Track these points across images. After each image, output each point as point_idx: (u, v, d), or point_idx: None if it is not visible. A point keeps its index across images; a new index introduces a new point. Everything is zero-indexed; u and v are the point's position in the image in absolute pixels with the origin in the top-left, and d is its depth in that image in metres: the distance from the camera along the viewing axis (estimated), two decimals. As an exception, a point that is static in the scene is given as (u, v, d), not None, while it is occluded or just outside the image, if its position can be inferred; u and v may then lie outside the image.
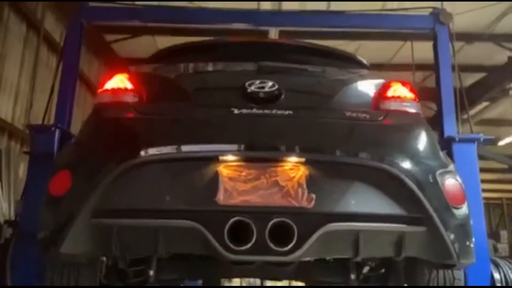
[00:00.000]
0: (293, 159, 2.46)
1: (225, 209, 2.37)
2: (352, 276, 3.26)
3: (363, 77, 3.05)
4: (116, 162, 2.44)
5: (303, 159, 2.46)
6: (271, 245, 2.32)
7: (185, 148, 2.47)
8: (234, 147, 2.47)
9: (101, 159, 2.52)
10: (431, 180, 2.52)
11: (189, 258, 3.20)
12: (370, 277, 3.29)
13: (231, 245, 2.32)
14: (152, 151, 2.46)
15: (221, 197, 2.37)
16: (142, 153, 2.45)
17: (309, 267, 3.34)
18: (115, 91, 2.80)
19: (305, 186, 2.41)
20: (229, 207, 2.37)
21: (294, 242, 2.32)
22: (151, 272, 3.03)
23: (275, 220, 2.34)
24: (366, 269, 3.29)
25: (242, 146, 2.47)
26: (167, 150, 2.46)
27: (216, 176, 2.41)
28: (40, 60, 8.16)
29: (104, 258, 2.91)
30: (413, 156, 2.56)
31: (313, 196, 2.39)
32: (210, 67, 3.08)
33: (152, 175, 2.44)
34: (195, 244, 2.41)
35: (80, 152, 2.74)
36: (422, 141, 2.70)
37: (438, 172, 2.56)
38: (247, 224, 2.34)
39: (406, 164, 2.48)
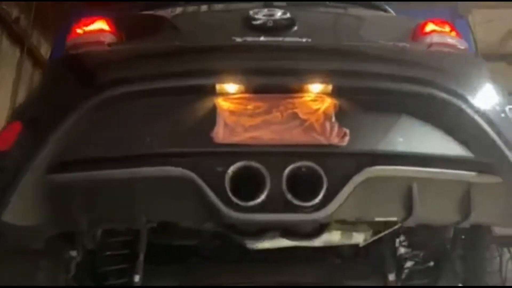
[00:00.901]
0: (316, 87, 1.82)
1: (226, 150, 1.70)
2: (391, 276, 2.55)
3: (392, 18, 2.51)
4: (81, 98, 1.81)
5: (329, 87, 1.81)
6: (291, 198, 1.65)
7: (170, 76, 1.83)
8: (237, 72, 1.83)
9: (61, 98, 1.90)
10: (503, 115, 1.88)
11: (183, 256, 2.63)
12: (414, 273, 2.55)
13: (235, 199, 1.65)
14: (128, 81, 1.82)
15: (219, 134, 1.71)
16: (115, 84, 1.81)
17: (335, 268, 2.65)
18: (87, 33, 2.21)
19: (334, 119, 1.76)
20: (231, 146, 1.70)
21: (322, 193, 1.65)
22: (137, 277, 2.36)
23: (295, 164, 1.69)
24: (409, 264, 2.58)
25: (247, 72, 1.84)
26: (148, 79, 1.83)
27: (213, 110, 1.76)
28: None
29: (74, 253, 2.24)
30: (473, 85, 1.92)
31: (346, 131, 1.74)
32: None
33: (128, 111, 1.79)
34: (186, 204, 1.74)
35: (36, 98, 2.12)
36: (480, 71, 2.07)
37: (508, 107, 1.93)
38: (256, 170, 1.67)
39: (467, 93, 1.85)
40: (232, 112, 1.76)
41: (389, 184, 1.74)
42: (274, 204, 1.66)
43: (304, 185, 1.67)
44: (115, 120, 1.78)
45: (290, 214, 1.66)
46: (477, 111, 1.79)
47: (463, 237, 2.37)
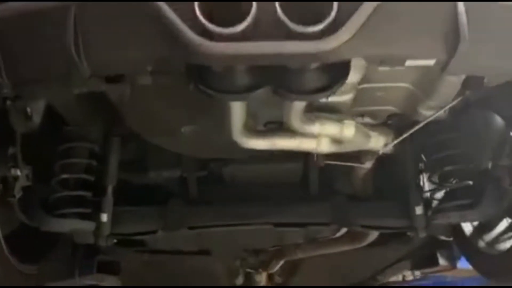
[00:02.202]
0: None
1: None
2: (418, 209, 2.04)
3: None
4: None
5: None
6: (287, 21, 1.18)
7: None
8: None
9: None
10: None
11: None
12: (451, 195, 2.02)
13: (210, 25, 1.18)
14: None
15: None
16: None
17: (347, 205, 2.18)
18: None
19: None
20: None
21: (331, 16, 1.18)
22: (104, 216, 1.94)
23: None
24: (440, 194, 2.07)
25: None
26: None
27: None
28: None
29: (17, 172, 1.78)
30: None
31: None
32: None
33: None
34: (148, 34, 1.26)
35: None
36: None
37: None
38: None
39: None
40: None
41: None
42: (264, 29, 1.19)
43: (304, 9, 1.21)
44: None
45: (285, 41, 1.18)
46: None
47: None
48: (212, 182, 2.33)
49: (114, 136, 2.12)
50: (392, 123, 1.97)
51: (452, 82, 1.64)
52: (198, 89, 1.35)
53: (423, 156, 2.12)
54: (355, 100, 1.74)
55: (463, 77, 1.61)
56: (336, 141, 1.78)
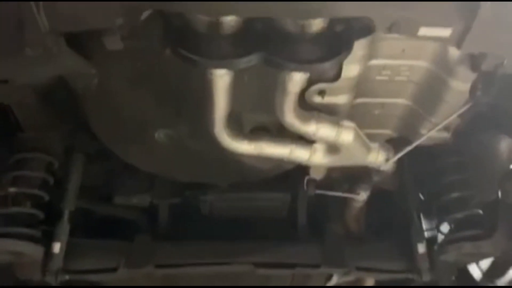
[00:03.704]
0: None
1: None
2: (421, 247, 1.80)
3: None
4: None
5: None
6: None
7: None
8: None
9: None
10: None
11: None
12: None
13: None
14: None
15: None
16: None
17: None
18: None
19: None
20: None
21: None
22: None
23: None
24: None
25: None
26: None
27: None
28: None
29: None
30: None
31: None
32: None
33: None
34: None
35: None
36: None
37: None
38: None
39: None
40: None
41: None
42: None
43: None
44: None
45: None
46: None
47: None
48: (187, 212, 2.04)
49: (77, 152, 1.87)
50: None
51: (458, 91, 1.48)
52: (176, 54, 1.14)
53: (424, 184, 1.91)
54: (351, 118, 1.56)
55: (470, 83, 1.47)
56: (332, 150, 1.55)
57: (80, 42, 1.23)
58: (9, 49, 1.14)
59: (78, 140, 1.85)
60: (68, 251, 1.82)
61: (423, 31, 1.14)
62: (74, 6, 1.06)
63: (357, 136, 1.52)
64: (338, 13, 1.09)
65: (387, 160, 1.64)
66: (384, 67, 1.49)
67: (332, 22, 1.15)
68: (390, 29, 1.12)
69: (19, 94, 1.55)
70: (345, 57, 1.21)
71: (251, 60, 1.14)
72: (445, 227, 1.88)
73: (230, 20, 1.10)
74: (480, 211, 1.74)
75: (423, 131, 1.68)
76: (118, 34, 1.14)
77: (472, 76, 1.42)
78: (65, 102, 1.63)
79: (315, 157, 1.56)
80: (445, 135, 1.76)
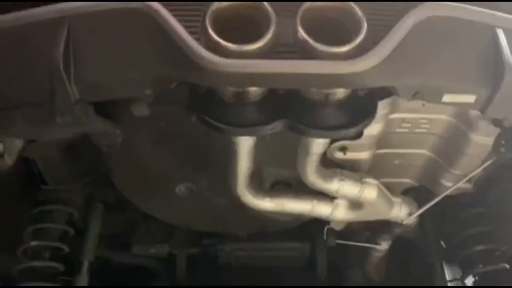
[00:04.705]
0: None
1: None
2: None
3: None
4: None
5: None
6: (312, 41, 1.02)
7: None
8: None
9: None
10: None
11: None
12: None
13: (222, 41, 1.02)
14: None
15: None
16: None
17: None
18: None
19: None
20: None
21: (360, 36, 1.03)
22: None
23: None
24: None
25: None
26: None
27: None
28: None
29: None
30: None
31: None
32: None
33: None
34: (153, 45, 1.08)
35: None
36: None
37: None
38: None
39: None
40: None
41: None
42: (283, 48, 1.03)
43: (328, 28, 1.06)
44: None
45: (307, 61, 1.02)
46: None
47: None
48: (205, 262, 2.03)
49: (97, 202, 1.88)
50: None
51: (479, 145, 1.47)
52: (201, 121, 1.15)
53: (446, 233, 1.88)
54: (371, 168, 1.55)
55: (491, 137, 1.46)
56: (354, 205, 1.54)
57: (106, 107, 1.25)
58: (40, 118, 1.16)
59: (98, 189, 1.87)
60: None
61: (447, 98, 1.15)
62: (105, 78, 1.09)
63: (380, 192, 1.51)
64: (363, 85, 1.10)
65: (409, 214, 1.63)
66: (404, 120, 1.49)
67: (356, 89, 1.16)
68: (414, 96, 1.13)
69: (43, 150, 1.58)
70: (370, 122, 1.21)
71: (276, 127, 1.15)
72: (469, 279, 1.85)
73: (255, 90, 1.12)
74: (507, 266, 1.71)
75: (445, 182, 1.66)
76: (146, 102, 1.16)
77: (494, 130, 1.42)
78: (88, 156, 1.65)
79: (337, 213, 1.55)
80: (467, 186, 1.74)
